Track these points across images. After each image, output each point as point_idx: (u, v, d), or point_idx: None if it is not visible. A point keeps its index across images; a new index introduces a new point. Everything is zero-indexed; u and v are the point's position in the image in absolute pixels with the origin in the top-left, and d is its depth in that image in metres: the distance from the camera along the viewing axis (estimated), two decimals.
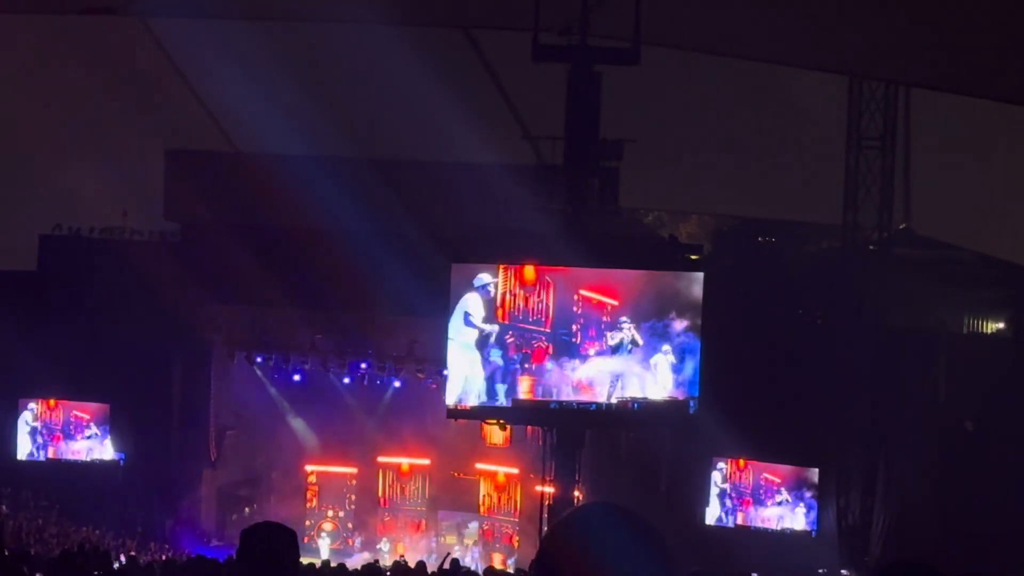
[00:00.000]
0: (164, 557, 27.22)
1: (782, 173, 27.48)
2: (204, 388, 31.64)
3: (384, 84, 26.47)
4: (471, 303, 25.11)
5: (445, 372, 26.15)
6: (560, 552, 3.65)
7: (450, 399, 25.52)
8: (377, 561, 24.50)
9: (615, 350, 24.92)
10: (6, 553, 17.33)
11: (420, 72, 25.96)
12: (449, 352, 25.43)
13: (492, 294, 25.08)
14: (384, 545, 32.87)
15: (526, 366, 25.23)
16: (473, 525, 32.56)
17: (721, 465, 27.71)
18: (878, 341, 26.53)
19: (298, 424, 33.20)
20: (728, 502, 27.79)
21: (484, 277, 25.06)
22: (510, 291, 25.14)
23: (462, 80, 28.44)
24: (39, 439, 30.76)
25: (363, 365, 31.63)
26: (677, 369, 24.81)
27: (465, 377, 25.36)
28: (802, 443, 26.89)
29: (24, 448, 30.60)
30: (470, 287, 25.10)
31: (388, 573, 19.71)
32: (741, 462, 27.71)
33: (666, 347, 24.78)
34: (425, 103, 25.69)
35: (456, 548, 31.72)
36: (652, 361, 24.86)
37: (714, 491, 27.78)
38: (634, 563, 3.58)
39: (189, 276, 29.53)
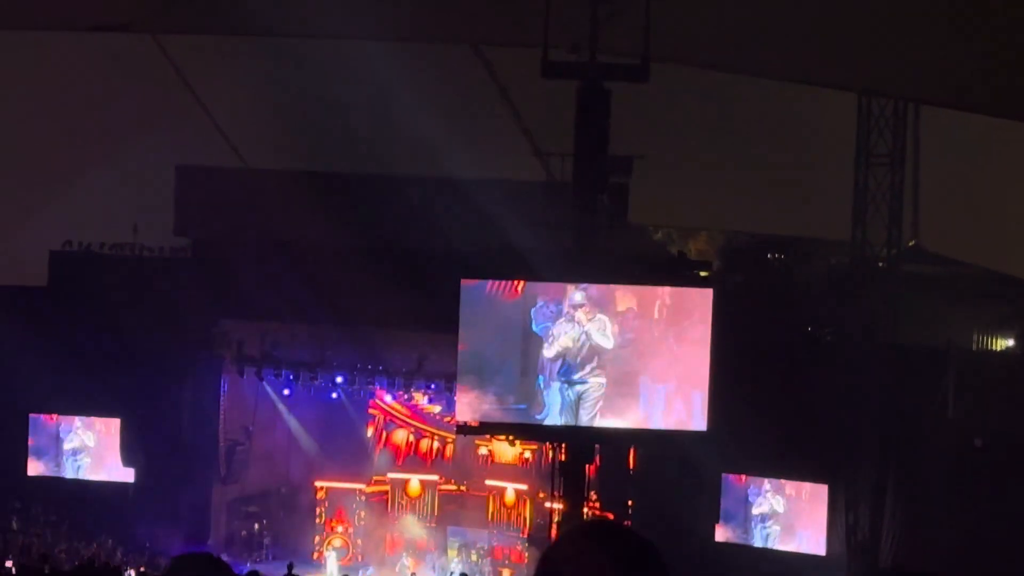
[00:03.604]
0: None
1: (791, 189, 27.42)
2: (214, 404, 31.65)
3: (393, 100, 26.48)
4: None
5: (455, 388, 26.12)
6: (556, 570, 3.67)
7: (460, 415, 25.44)
8: None
9: None
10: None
11: (429, 88, 26.03)
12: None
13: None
14: (393, 561, 32.82)
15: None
16: (482, 542, 32.49)
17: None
18: (887, 357, 26.49)
19: (306, 439, 33.23)
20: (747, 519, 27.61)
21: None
22: None
23: (471, 96, 28.50)
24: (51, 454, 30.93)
25: (373, 381, 31.62)
26: None
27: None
28: (811, 460, 26.83)
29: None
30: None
31: None
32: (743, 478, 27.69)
33: None
34: (435, 119, 25.71)
35: (463, 563, 31.70)
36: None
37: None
38: None
39: (199, 291, 29.61)
